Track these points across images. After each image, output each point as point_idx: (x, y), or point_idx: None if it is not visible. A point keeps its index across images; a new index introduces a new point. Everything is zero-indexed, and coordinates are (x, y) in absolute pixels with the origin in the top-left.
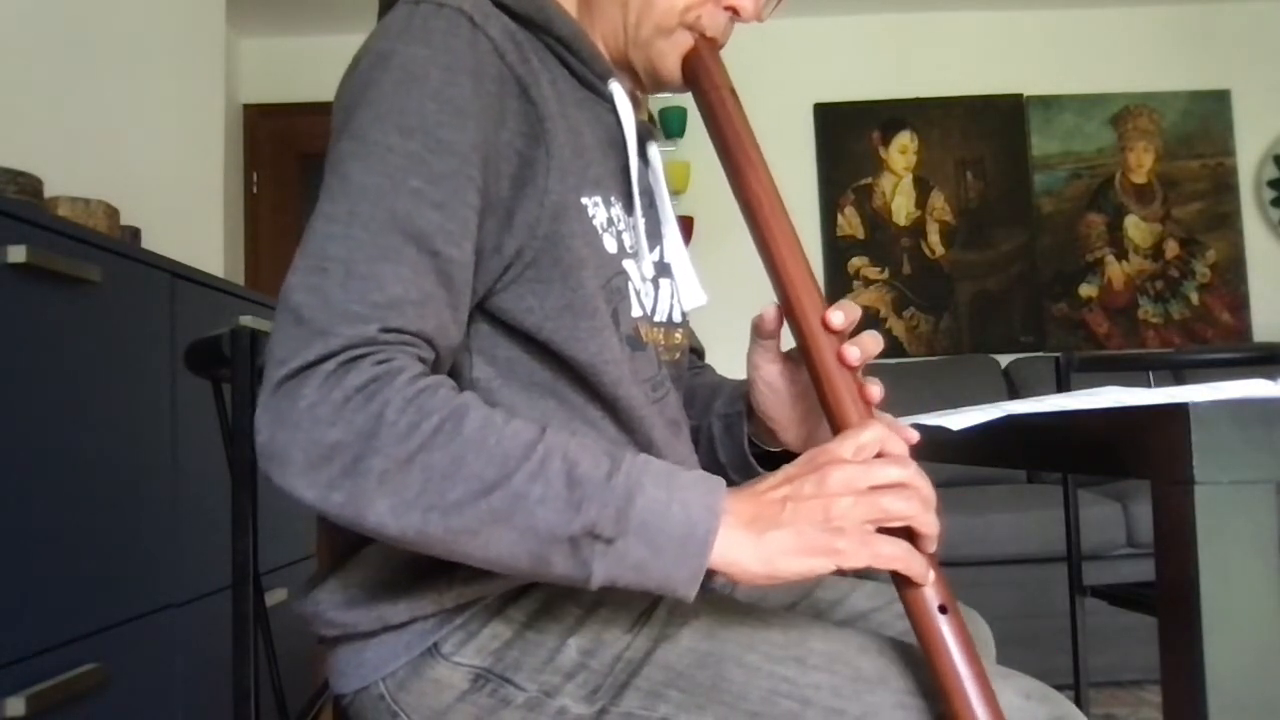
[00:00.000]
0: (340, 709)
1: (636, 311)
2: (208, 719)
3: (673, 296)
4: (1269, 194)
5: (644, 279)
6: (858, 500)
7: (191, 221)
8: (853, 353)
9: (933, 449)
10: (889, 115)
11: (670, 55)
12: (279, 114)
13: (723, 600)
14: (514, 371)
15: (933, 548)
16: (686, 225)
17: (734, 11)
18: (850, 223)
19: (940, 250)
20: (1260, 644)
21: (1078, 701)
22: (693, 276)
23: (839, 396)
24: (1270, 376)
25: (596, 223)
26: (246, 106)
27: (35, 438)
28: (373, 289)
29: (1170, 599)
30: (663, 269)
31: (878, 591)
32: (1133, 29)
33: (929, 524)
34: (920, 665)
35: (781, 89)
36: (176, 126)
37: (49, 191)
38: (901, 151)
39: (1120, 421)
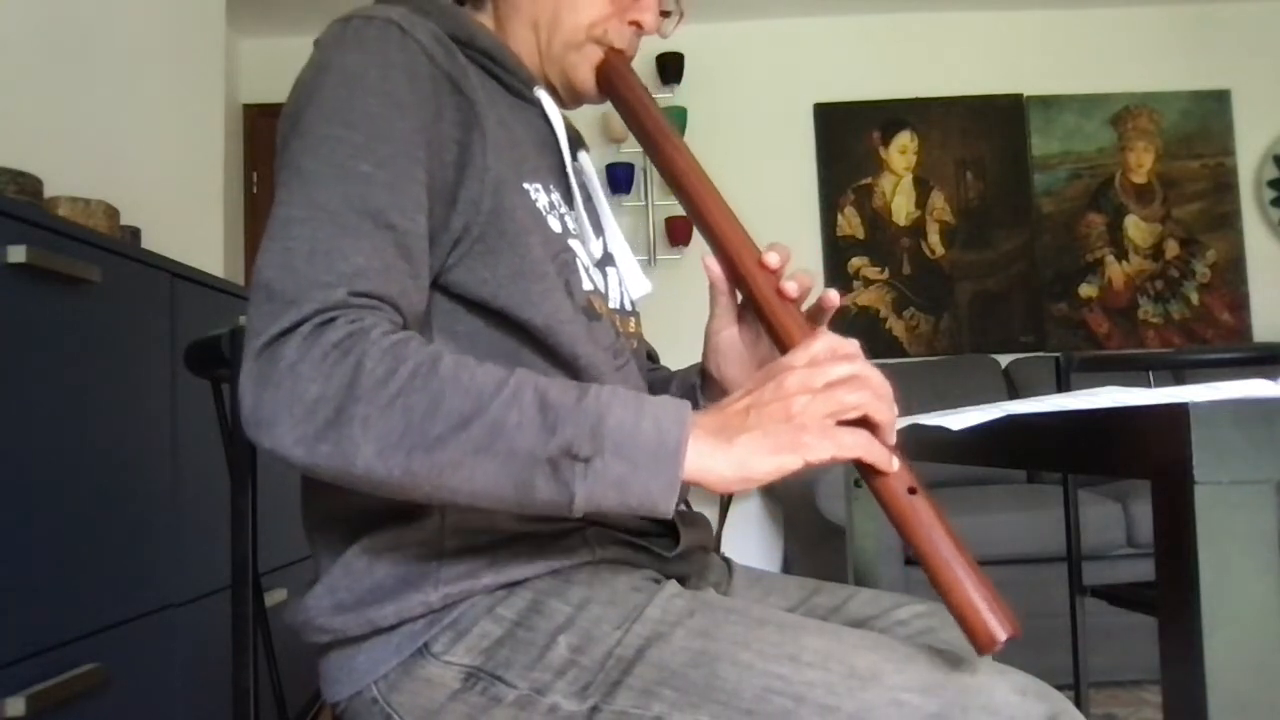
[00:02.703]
0: (335, 717)
1: (588, 286)
2: (208, 719)
3: (621, 285)
4: (1269, 194)
5: (591, 262)
6: (815, 397)
7: (191, 221)
8: (790, 286)
9: (933, 449)
10: (889, 115)
11: (582, 67)
12: (279, 114)
13: (715, 599)
14: (475, 343)
15: (892, 438)
16: (686, 225)
17: (638, 26)
18: (850, 223)
19: (940, 250)
20: (1260, 644)
21: (1078, 701)
22: (636, 266)
23: (784, 324)
24: (1270, 376)
25: (539, 205)
26: (246, 106)
27: (35, 438)
28: (337, 260)
29: (1170, 599)
30: (607, 259)
31: (875, 599)
32: (1133, 29)
33: (883, 411)
34: (914, 661)
35: (781, 89)
36: (176, 126)
37: (49, 191)
38: (901, 151)
39: (1120, 421)
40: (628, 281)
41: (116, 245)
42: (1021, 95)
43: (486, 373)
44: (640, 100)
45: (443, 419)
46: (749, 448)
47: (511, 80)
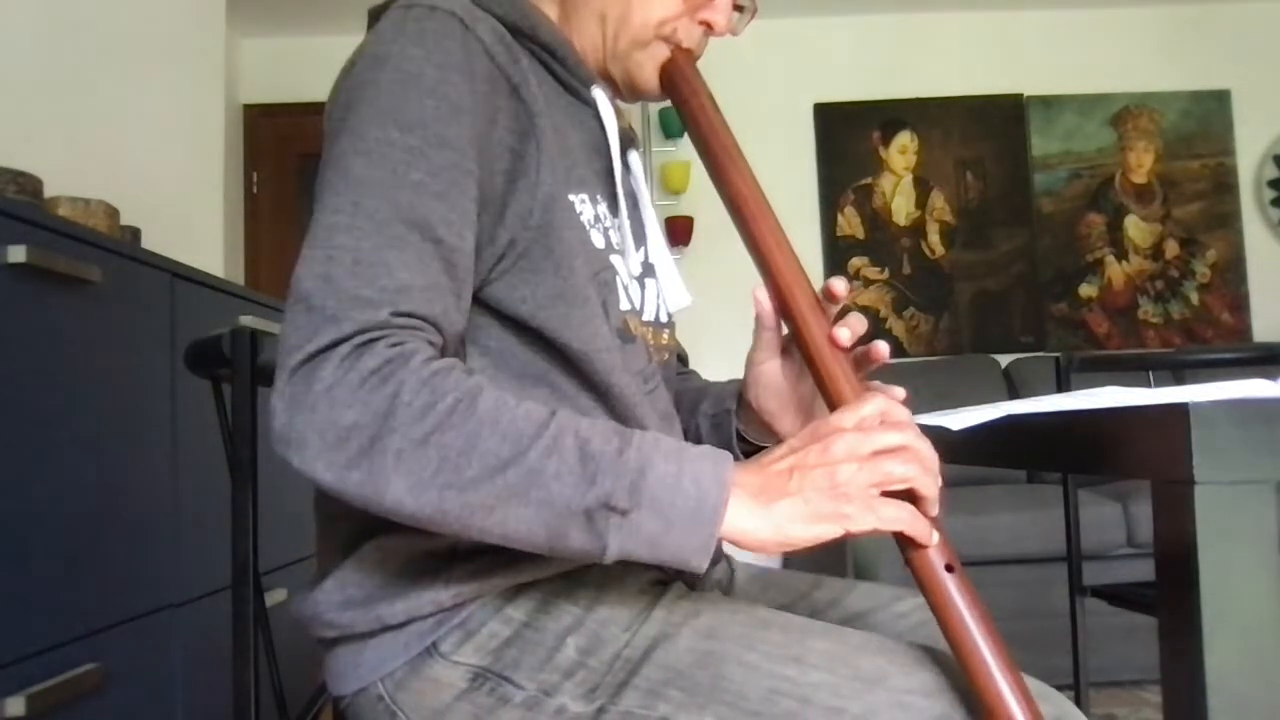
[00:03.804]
0: (339, 711)
1: (625, 305)
2: (208, 719)
3: (659, 297)
4: (1269, 194)
5: (631, 276)
6: (861, 466)
7: (191, 221)
8: (843, 334)
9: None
10: (889, 115)
11: (647, 66)
12: (279, 114)
13: (721, 600)
14: (507, 361)
15: (935, 510)
16: (686, 225)
17: (708, 26)
18: (850, 223)
19: (940, 250)
20: (1260, 644)
21: (1078, 701)
22: (677, 278)
23: (833, 375)
24: (1270, 376)
25: (584, 219)
26: (246, 106)
27: (35, 438)
28: (381, 275)
29: (1170, 599)
30: (648, 269)
31: (873, 592)
32: (1133, 29)
33: (929, 485)
34: (920, 664)
35: (781, 89)
36: (176, 126)
37: (49, 191)
38: (901, 151)
39: (1120, 421)
40: (666, 293)
41: (116, 245)
42: (1021, 95)
43: (527, 414)
44: (702, 106)
45: (478, 460)
46: (788, 513)
47: (570, 79)
